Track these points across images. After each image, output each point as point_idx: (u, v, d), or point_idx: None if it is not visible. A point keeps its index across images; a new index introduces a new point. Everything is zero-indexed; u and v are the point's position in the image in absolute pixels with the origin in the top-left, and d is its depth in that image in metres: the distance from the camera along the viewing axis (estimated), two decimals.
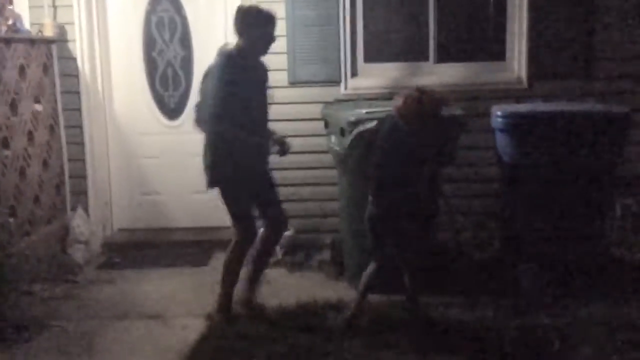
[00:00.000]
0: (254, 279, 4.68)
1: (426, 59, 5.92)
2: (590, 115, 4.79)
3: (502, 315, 4.40)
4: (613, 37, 5.65)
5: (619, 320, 4.27)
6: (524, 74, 5.75)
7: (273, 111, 5.33)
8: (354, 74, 5.88)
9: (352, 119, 4.71)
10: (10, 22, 5.48)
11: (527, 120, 4.77)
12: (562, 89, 5.64)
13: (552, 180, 4.68)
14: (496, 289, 4.77)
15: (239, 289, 4.61)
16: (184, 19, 6.13)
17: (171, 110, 6.27)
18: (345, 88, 5.83)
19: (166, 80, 6.23)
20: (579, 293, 4.59)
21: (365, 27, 5.89)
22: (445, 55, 5.93)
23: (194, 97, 6.13)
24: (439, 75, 5.87)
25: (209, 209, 6.05)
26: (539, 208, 4.75)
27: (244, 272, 4.63)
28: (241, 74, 4.30)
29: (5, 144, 4.93)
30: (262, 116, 4.52)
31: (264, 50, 4.45)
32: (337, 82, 5.81)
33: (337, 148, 4.96)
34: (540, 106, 5.09)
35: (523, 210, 4.87)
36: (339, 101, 5.61)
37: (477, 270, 5.16)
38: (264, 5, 5.67)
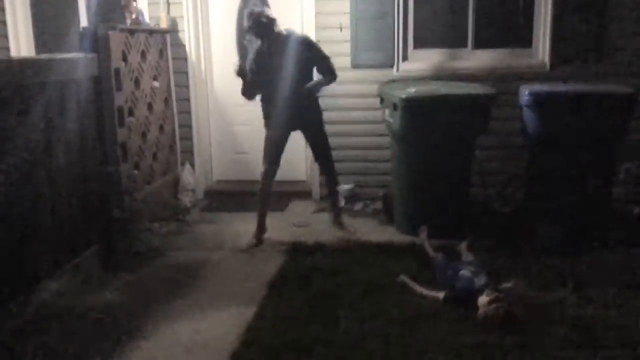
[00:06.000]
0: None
1: (465, 45, 5.74)
2: (601, 94, 4.61)
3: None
4: (622, 30, 5.39)
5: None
6: (547, 59, 5.54)
7: (338, 89, 5.31)
8: (405, 58, 5.76)
9: (403, 96, 4.66)
10: (134, 16, 5.59)
11: (549, 98, 4.63)
12: (579, 72, 5.42)
13: (568, 148, 4.56)
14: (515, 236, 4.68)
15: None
16: None
17: None
18: (397, 70, 5.72)
19: None
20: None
21: (415, 19, 5.74)
22: (481, 42, 5.73)
23: None
24: (476, 59, 5.71)
25: (286, 166, 6.10)
26: (556, 171, 4.63)
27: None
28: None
29: (131, 113, 4.98)
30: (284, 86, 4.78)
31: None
32: (390, 66, 5.71)
33: (390, 120, 4.92)
34: (560, 86, 4.92)
35: (543, 172, 4.76)
36: (392, 81, 5.52)
37: (501, 220, 5.09)
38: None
